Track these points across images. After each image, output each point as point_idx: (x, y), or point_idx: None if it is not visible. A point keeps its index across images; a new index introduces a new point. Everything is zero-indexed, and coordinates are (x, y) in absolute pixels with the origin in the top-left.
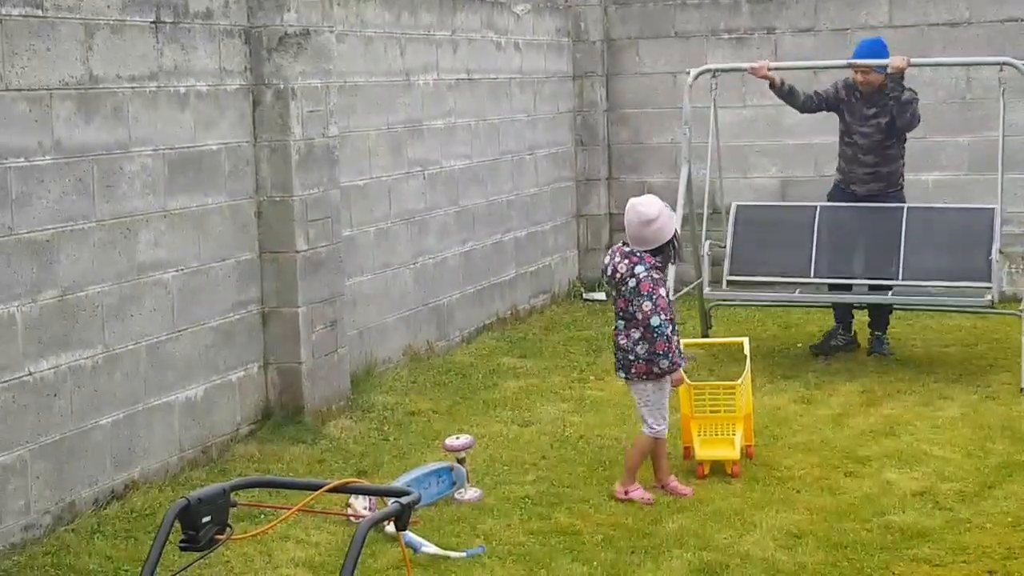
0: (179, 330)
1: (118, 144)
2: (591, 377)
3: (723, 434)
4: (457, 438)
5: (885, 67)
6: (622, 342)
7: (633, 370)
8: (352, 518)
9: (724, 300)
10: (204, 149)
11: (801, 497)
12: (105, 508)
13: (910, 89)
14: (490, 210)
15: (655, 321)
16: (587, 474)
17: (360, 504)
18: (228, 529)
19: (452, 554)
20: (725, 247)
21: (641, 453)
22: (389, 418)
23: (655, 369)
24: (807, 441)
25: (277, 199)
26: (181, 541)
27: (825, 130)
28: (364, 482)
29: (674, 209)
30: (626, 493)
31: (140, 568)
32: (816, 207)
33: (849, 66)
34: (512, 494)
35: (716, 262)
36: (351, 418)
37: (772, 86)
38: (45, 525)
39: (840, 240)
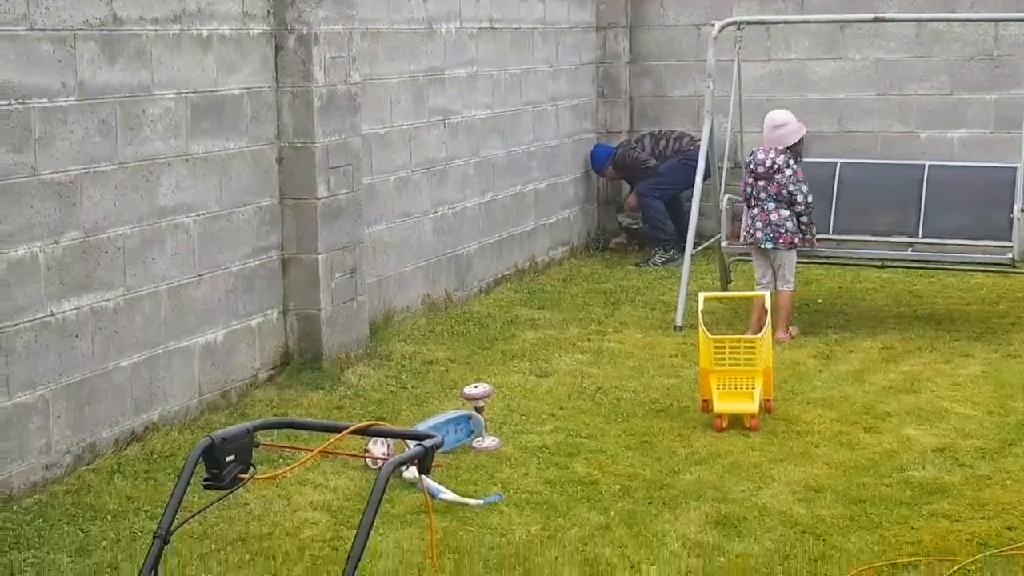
0: (200, 274)
1: (141, 86)
2: (609, 329)
3: (742, 388)
4: (476, 387)
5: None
6: (774, 218)
7: (781, 240)
8: (374, 460)
9: (743, 255)
10: (226, 94)
11: (820, 452)
12: (125, 449)
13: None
14: (510, 161)
15: (811, 198)
16: (605, 425)
17: (378, 450)
18: (251, 469)
19: (470, 501)
20: (743, 202)
21: (789, 305)
22: (407, 366)
23: (807, 236)
24: (826, 396)
25: (298, 145)
26: (205, 479)
27: (850, 85)
28: (386, 425)
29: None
30: (791, 336)
31: (161, 507)
32: (837, 163)
33: (875, 20)
34: (530, 444)
35: (736, 217)
36: (369, 365)
37: None
38: (66, 464)
39: (860, 197)
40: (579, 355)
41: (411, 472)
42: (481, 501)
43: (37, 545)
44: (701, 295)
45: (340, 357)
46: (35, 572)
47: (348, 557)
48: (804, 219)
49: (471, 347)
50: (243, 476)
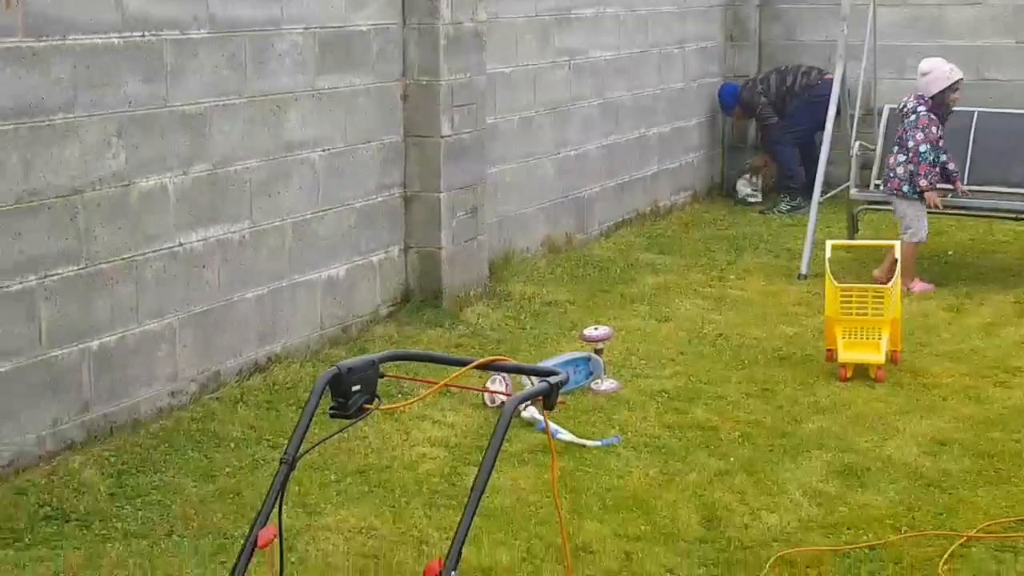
0: (323, 209)
1: (270, 20)
2: (731, 276)
3: (868, 338)
4: (596, 328)
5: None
6: (890, 161)
7: (888, 184)
8: (492, 398)
9: (872, 203)
10: (353, 29)
11: (947, 405)
12: (248, 379)
13: None
14: (635, 103)
15: (923, 148)
16: (725, 372)
17: (497, 388)
18: (376, 399)
19: (587, 442)
20: (875, 150)
21: (908, 255)
22: (526, 307)
23: (916, 187)
24: (955, 350)
25: (424, 83)
26: (331, 408)
27: (989, 32)
28: (511, 360)
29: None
30: (909, 289)
31: (283, 437)
32: (974, 112)
33: None
34: (649, 387)
35: (865, 165)
36: (488, 305)
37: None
38: (191, 392)
39: (997, 147)
40: (700, 301)
41: (529, 412)
42: (599, 442)
43: (163, 469)
44: (828, 243)
45: (459, 296)
46: (160, 495)
47: (471, 489)
48: (911, 168)
49: (591, 290)
50: (368, 406)
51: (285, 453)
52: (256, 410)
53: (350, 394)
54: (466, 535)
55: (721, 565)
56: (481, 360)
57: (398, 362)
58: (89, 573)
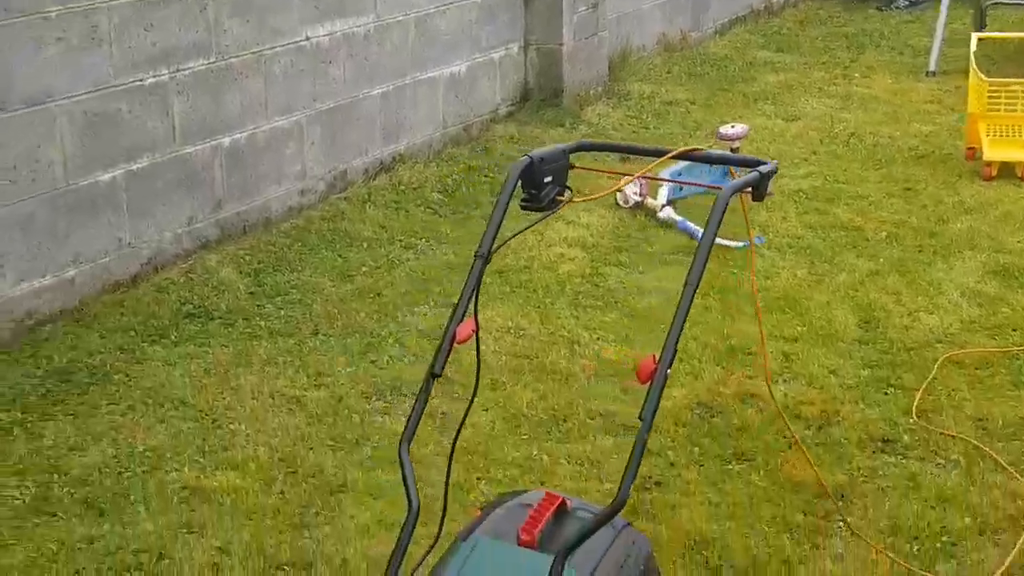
0: (445, 4)
1: None
2: (856, 74)
3: (1016, 135)
4: (732, 127)
5: None
6: None
7: None
8: (625, 199)
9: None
10: None
11: None
12: (374, 179)
13: None
14: None
15: None
16: (862, 171)
17: (631, 190)
18: (568, 191)
19: (730, 243)
20: None
21: None
22: (647, 107)
23: None
24: None
25: None
26: (522, 200)
27: None
28: (708, 150)
29: None
30: None
31: (413, 237)
32: None
33: None
34: (785, 187)
35: None
36: (608, 104)
37: None
38: (319, 191)
39: None
40: (826, 99)
41: (666, 212)
42: (742, 244)
43: (299, 268)
44: (974, 35)
45: (580, 94)
46: (300, 294)
47: (685, 284)
48: None
49: (710, 88)
50: (560, 198)
51: (479, 247)
52: (384, 210)
53: (542, 185)
54: (680, 331)
55: (886, 367)
56: (679, 150)
57: (585, 152)
58: (241, 370)
